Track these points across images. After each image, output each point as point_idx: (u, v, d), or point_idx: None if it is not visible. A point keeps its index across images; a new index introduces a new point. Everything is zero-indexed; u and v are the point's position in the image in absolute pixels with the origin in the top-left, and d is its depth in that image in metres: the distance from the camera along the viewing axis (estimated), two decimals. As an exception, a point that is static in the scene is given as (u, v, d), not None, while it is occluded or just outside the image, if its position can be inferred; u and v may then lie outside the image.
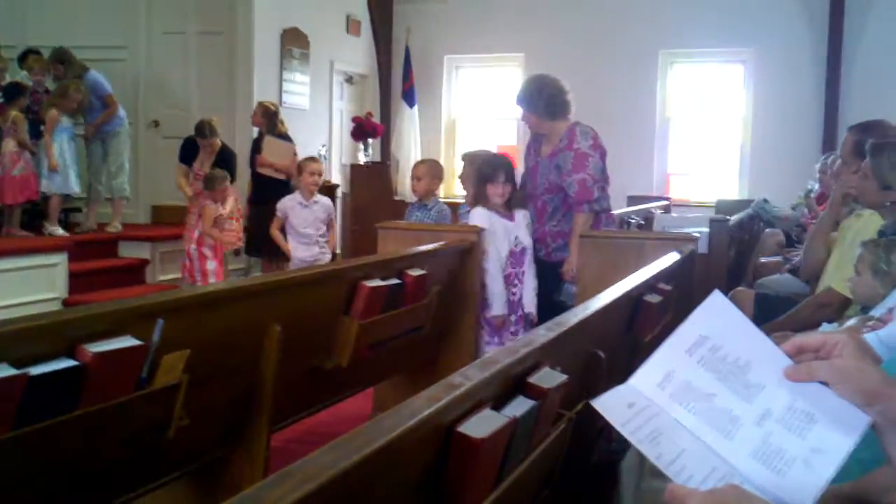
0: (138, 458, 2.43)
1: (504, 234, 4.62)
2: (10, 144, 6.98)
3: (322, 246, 6.63)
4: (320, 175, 6.68)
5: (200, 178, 7.33)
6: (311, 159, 6.90)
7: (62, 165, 7.31)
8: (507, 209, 4.68)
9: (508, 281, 4.61)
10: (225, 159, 7.50)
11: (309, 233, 6.55)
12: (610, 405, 1.23)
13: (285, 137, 7.73)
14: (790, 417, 1.19)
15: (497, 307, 4.56)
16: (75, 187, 7.54)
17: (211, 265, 7.00)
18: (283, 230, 6.56)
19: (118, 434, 2.25)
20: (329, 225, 6.80)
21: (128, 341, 2.21)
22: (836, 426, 1.17)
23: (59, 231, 7.43)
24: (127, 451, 2.34)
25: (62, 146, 7.34)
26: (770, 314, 3.98)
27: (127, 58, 9.16)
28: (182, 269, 7.22)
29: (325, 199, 6.73)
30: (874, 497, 1.24)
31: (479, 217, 4.63)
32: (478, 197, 4.70)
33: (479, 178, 4.70)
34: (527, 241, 4.70)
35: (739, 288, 4.64)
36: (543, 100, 4.74)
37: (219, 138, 7.49)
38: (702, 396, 1.23)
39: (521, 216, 4.74)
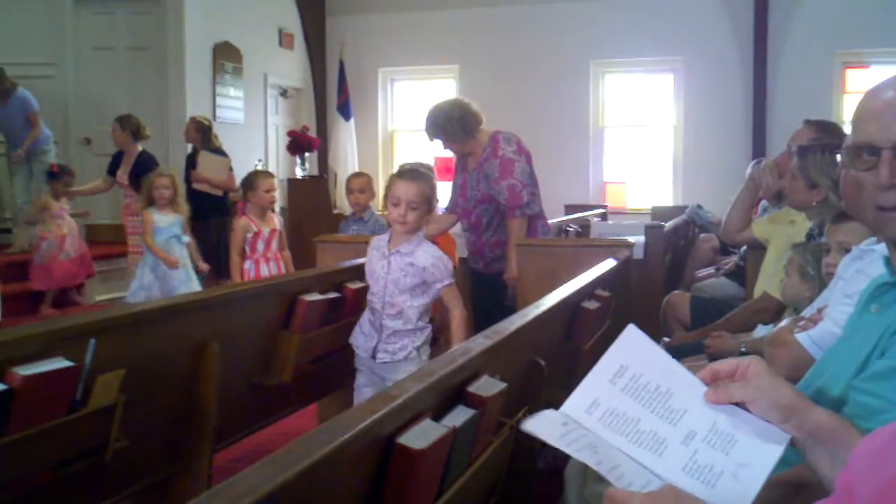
0: (75, 483, 2.37)
1: None
2: None
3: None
4: None
5: (124, 186, 7.13)
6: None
7: None
8: None
9: None
10: (143, 165, 7.04)
11: None
12: (542, 426, 1.26)
13: (220, 152, 7.64)
14: (714, 437, 1.23)
15: None
16: None
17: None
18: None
19: (51, 459, 2.19)
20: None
21: (59, 363, 2.15)
22: (757, 443, 1.22)
23: None
24: (62, 475, 2.28)
25: None
26: (705, 317, 4.03)
27: (55, 74, 9.00)
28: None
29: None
30: (814, 479, 1.30)
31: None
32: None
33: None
34: None
35: (676, 291, 4.69)
36: (457, 124, 4.71)
37: (138, 142, 7.24)
38: (628, 421, 1.27)
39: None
